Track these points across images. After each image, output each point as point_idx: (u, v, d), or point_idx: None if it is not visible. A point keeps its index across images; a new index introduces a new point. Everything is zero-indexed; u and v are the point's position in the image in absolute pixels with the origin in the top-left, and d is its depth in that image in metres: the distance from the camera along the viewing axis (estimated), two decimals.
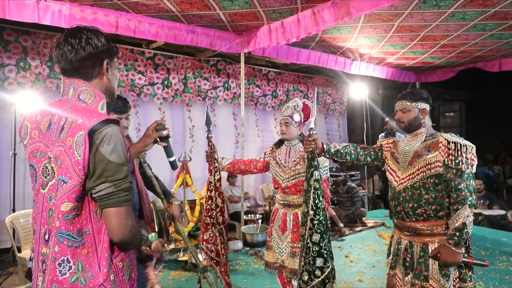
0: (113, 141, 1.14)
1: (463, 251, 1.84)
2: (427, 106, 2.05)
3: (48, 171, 1.18)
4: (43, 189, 1.20)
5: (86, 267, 1.17)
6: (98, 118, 1.14)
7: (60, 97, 1.29)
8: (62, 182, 1.14)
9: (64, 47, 1.21)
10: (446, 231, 1.90)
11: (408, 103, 2.03)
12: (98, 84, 1.27)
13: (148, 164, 2.57)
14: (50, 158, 1.17)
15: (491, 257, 4.33)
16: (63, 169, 1.14)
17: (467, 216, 1.81)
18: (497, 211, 5.40)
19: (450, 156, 1.85)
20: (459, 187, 1.84)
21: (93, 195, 1.15)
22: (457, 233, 1.81)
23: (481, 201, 5.62)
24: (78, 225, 1.16)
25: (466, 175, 1.85)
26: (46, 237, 1.19)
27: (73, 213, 1.15)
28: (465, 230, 1.80)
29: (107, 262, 1.19)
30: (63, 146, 1.15)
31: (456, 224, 1.81)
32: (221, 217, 2.64)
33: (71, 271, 1.16)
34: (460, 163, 1.83)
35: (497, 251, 4.51)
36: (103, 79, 1.28)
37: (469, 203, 1.82)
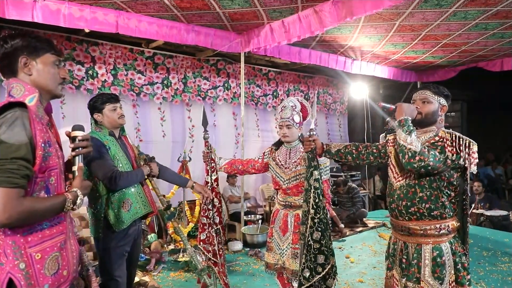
0: (11, 122, 1.18)
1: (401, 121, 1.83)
2: (446, 104, 1.98)
3: None
4: None
5: None
6: (3, 102, 1.20)
7: None
8: None
9: None
10: (440, 232, 1.84)
11: (431, 95, 1.94)
12: (27, 80, 1.33)
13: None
14: None
15: (493, 258, 4.31)
16: None
17: (409, 144, 1.75)
18: (499, 212, 5.37)
19: (453, 149, 1.79)
20: (433, 152, 1.77)
21: None
22: (407, 125, 1.80)
23: (482, 204, 5.59)
24: None
25: (445, 158, 1.78)
26: None
27: None
28: (406, 139, 1.77)
29: (12, 249, 1.19)
30: None
31: (411, 136, 1.77)
32: (218, 217, 2.62)
33: None
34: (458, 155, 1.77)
35: (499, 252, 4.49)
36: (26, 75, 1.33)
37: (423, 156, 1.73)
